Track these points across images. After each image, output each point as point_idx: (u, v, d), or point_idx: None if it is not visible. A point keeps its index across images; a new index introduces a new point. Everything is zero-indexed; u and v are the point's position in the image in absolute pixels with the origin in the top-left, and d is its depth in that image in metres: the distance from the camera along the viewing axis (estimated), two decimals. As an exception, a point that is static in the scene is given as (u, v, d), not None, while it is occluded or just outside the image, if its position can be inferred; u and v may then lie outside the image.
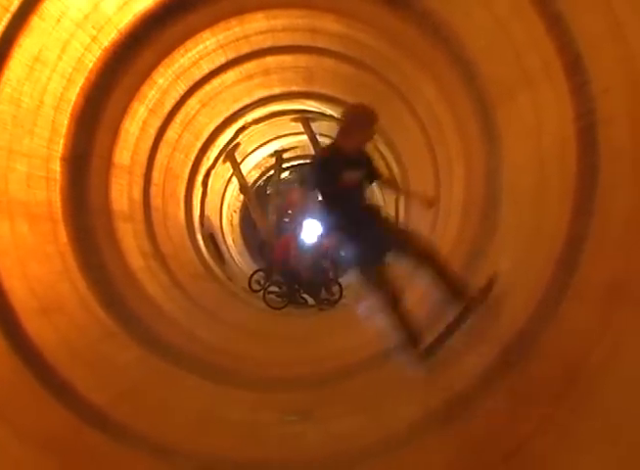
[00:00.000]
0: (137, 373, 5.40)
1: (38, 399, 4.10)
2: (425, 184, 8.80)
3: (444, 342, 4.49)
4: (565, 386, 3.04)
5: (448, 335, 4.50)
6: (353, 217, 4.65)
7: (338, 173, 4.50)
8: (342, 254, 4.97)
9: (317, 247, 12.91)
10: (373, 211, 4.91)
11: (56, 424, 4.00)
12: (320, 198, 4.70)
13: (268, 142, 16.54)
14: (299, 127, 14.70)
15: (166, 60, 7.71)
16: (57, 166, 5.65)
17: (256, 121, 13.25)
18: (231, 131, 12.59)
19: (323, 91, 11.55)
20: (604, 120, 3.52)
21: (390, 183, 4.82)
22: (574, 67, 3.75)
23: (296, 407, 5.16)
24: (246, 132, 13.46)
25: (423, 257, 4.65)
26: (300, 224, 11.33)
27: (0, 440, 3.44)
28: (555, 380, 3.22)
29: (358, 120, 4.57)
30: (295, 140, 17.11)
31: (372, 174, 4.86)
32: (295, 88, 11.65)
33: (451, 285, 4.60)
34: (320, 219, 4.77)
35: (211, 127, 11.41)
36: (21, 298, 4.59)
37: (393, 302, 4.56)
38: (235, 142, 13.49)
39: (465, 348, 4.45)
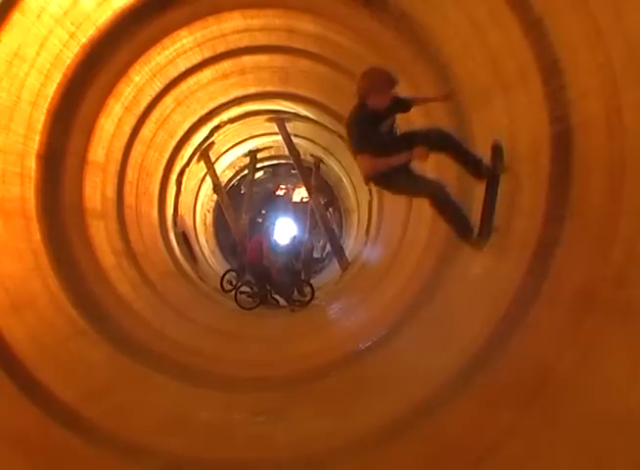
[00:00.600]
0: (107, 372, 5.38)
1: (7, 395, 4.08)
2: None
3: (491, 220, 4.59)
4: (534, 391, 3.11)
5: (491, 212, 4.61)
6: (393, 149, 4.52)
7: (375, 128, 4.52)
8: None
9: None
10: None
11: (24, 421, 3.98)
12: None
13: (243, 142, 16.53)
14: (274, 128, 14.67)
15: (143, 57, 7.68)
16: (32, 163, 5.62)
17: (231, 121, 13.21)
18: (206, 130, 12.54)
19: (298, 92, 11.58)
20: (580, 125, 3.60)
21: (417, 101, 4.91)
22: (551, 71, 3.82)
23: (265, 408, 5.19)
24: (220, 131, 13.42)
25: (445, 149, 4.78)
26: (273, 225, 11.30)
27: (-31, 437, 3.44)
28: (525, 385, 3.30)
29: (374, 86, 4.42)
30: (269, 140, 17.13)
31: (404, 109, 4.85)
32: (270, 88, 11.64)
33: (471, 164, 4.76)
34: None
35: (186, 126, 11.36)
36: (-9, 294, 4.56)
37: (442, 198, 4.57)
38: (209, 141, 13.45)
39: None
